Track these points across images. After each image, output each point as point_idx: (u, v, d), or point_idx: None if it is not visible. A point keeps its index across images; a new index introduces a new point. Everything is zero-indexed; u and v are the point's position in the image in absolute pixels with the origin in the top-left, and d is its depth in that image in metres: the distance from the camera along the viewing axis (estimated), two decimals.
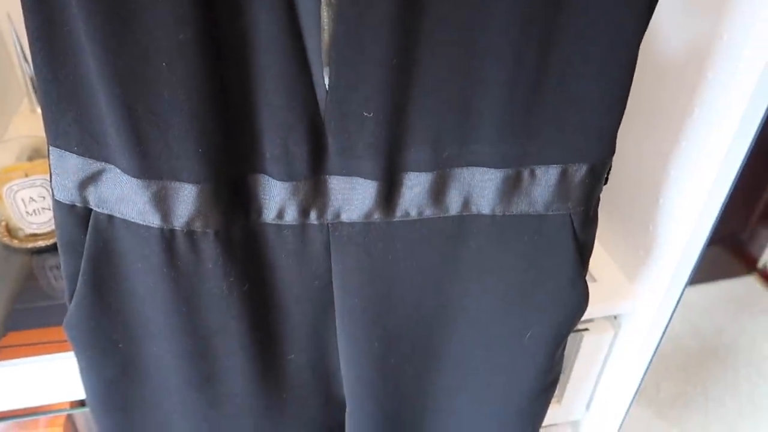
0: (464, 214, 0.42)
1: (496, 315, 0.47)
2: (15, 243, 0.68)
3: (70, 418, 0.62)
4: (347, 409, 0.52)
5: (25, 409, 0.58)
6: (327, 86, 0.35)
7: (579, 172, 0.40)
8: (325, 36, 0.34)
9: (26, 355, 0.63)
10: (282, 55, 0.34)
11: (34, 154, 0.73)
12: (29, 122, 0.84)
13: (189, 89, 0.33)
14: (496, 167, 0.39)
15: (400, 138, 0.38)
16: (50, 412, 0.60)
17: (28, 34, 0.33)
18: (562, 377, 0.71)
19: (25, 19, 0.32)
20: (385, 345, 0.47)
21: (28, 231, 0.68)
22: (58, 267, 0.70)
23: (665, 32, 0.54)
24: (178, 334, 0.43)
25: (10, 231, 0.69)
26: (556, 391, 0.62)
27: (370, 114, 0.36)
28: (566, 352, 0.52)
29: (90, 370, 0.46)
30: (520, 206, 0.41)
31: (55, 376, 0.55)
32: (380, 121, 0.36)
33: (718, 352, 1.47)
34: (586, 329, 0.66)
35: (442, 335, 0.48)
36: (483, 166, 0.40)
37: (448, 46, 0.34)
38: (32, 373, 0.55)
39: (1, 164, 0.67)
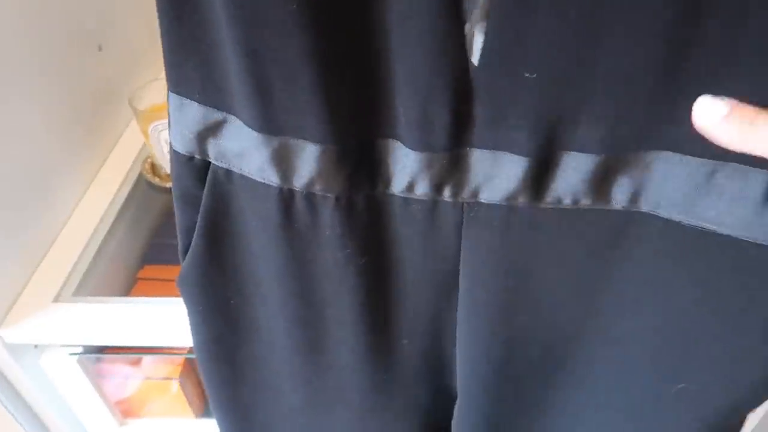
0: (632, 210, 0.34)
1: (647, 346, 0.39)
2: (157, 181, 0.70)
3: (188, 362, 0.64)
4: (457, 403, 0.48)
5: (146, 349, 0.60)
6: (482, 40, 0.29)
7: None
8: None
9: (160, 290, 0.65)
10: (433, 1, 0.28)
11: None
12: None
13: (318, 35, 0.29)
14: (693, 155, 0.31)
15: (567, 108, 0.30)
16: (170, 353, 0.61)
17: None
18: None
19: None
20: (508, 345, 0.41)
21: (169, 170, 0.70)
22: None
23: None
24: (290, 298, 0.41)
25: (154, 169, 0.71)
26: None
27: (533, 75, 0.29)
28: None
29: (201, 325, 0.46)
30: (706, 214, 0.32)
31: (176, 319, 0.56)
32: (545, 85, 0.29)
33: None
34: None
35: (576, 350, 0.41)
36: (674, 152, 0.31)
37: None
38: (155, 313, 0.56)
39: (152, 102, 0.68)
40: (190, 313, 0.45)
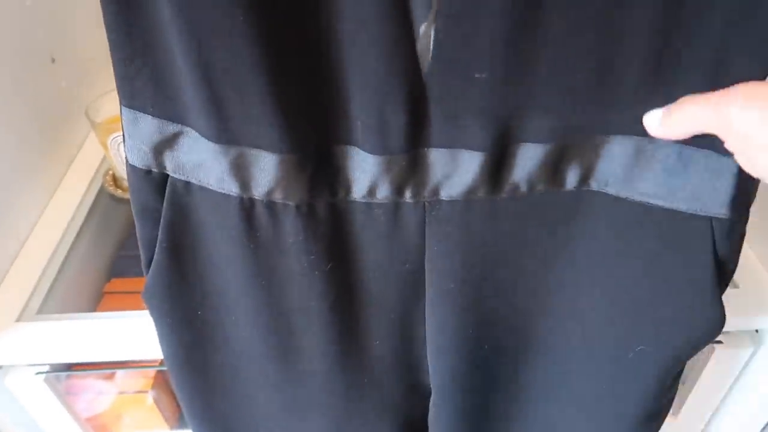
0: (583, 189, 0.36)
1: (605, 316, 0.41)
2: (119, 193, 0.69)
3: (160, 374, 0.63)
4: (432, 399, 0.49)
5: (115, 363, 0.59)
6: (431, 43, 0.30)
7: (731, 162, 0.32)
8: None
9: (128, 303, 0.64)
10: (381, 6, 0.29)
11: None
12: None
13: (268, 45, 0.29)
14: (634, 134, 0.33)
15: (517, 103, 0.32)
16: (141, 367, 0.61)
17: None
18: (682, 388, 0.63)
19: None
20: (478, 333, 0.43)
21: None
22: None
23: None
24: (257, 307, 0.41)
25: (116, 181, 0.70)
26: (674, 404, 0.54)
27: (482, 75, 0.30)
28: (692, 363, 0.45)
29: (170, 336, 0.45)
30: (648, 187, 0.35)
31: (144, 332, 0.55)
32: (495, 84, 0.31)
33: None
34: (720, 342, 0.56)
35: (542, 327, 0.43)
36: (617, 134, 0.34)
37: None
38: (128, 327, 0.56)
39: (109, 114, 0.67)
40: (157, 325, 0.45)
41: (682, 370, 0.43)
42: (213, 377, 0.49)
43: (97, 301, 0.67)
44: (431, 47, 0.30)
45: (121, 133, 0.63)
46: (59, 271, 0.61)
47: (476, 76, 0.30)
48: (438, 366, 0.45)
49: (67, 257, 0.63)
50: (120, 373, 0.62)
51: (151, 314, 0.44)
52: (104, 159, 0.73)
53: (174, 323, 0.44)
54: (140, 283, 0.68)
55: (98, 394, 0.63)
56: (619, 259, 0.38)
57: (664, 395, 0.43)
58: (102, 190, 0.70)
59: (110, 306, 0.66)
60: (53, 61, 0.69)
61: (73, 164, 0.72)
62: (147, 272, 0.42)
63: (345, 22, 0.30)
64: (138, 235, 0.40)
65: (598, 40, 0.30)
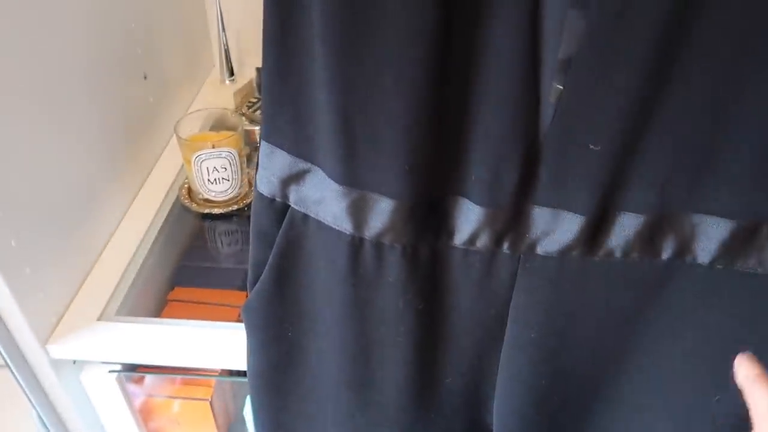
0: (677, 261, 0.37)
1: (685, 369, 0.41)
2: (193, 206, 0.73)
3: (219, 384, 0.66)
4: None
5: (179, 369, 0.62)
6: (554, 111, 0.33)
7: None
8: (560, 56, 0.32)
9: (190, 312, 0.67)
10: (513, 75, 0.31)
11: (217, 125, 0.78)
12: (217, 92, 0.89)
13: (410, 105, 0.32)
14: (729, 217, 0.35)
15: (623, 175, 0.34)
16: (203, 375, 0.63)
17: (264, 33, 0.33)
18: None
19: (264, 20, 0.33)
20: (551, 383, 0.43)
21: (206, 196, 0.72)
22: (226, 234, 0.74)
23: None
24: (346, 338, 0.43)
25: (191, 194, 0.74)
26: None
27: (597, 147, 0.32)
28: None
29: (258, 352, 0.47)
30: (747, 263, 0.36)
31: (212, 342, 0.58)
32: (607, 157, 0.33)
33: None
34: None
35: (616, 379, 0.44)
36: (713, 215, 0.35)
37: (707, 81, 0.30)
38: (192, 336, 0.59)
39: (188, 132, 0.71)
40: (249, 340, 0.47)
41: None
42: (289, 397, 0.50)
43: (162, 307, 0.70)
44: (553, 114, 0.33)
45: (206, 152, 0.67)
46: (136, 276, 0.64)
47: (591, 147, 0.32)
48: (505, 409, 0.46)
49: (143, 263, 0.66)
50: (182, 379, 0.64)
51: (246, 328, 0.46)
52: (180, 171, 0.77)
53: (265, 339, 0.46)
54: (201, 294, 0.71)
55: (159, 398, 0.66)
56: (707, 322, 0.39)
57: None
58: (175, 201, 0.74)
59: (173, 313, 0.68)
60: (145, 77, 0.73)
61: (151, 175, 0.76)
62: (251, 289, 0.44)
63: (480, 87, 0.32)
64: (250, 254, 0.43)
65: (711, 127, 0.31)
